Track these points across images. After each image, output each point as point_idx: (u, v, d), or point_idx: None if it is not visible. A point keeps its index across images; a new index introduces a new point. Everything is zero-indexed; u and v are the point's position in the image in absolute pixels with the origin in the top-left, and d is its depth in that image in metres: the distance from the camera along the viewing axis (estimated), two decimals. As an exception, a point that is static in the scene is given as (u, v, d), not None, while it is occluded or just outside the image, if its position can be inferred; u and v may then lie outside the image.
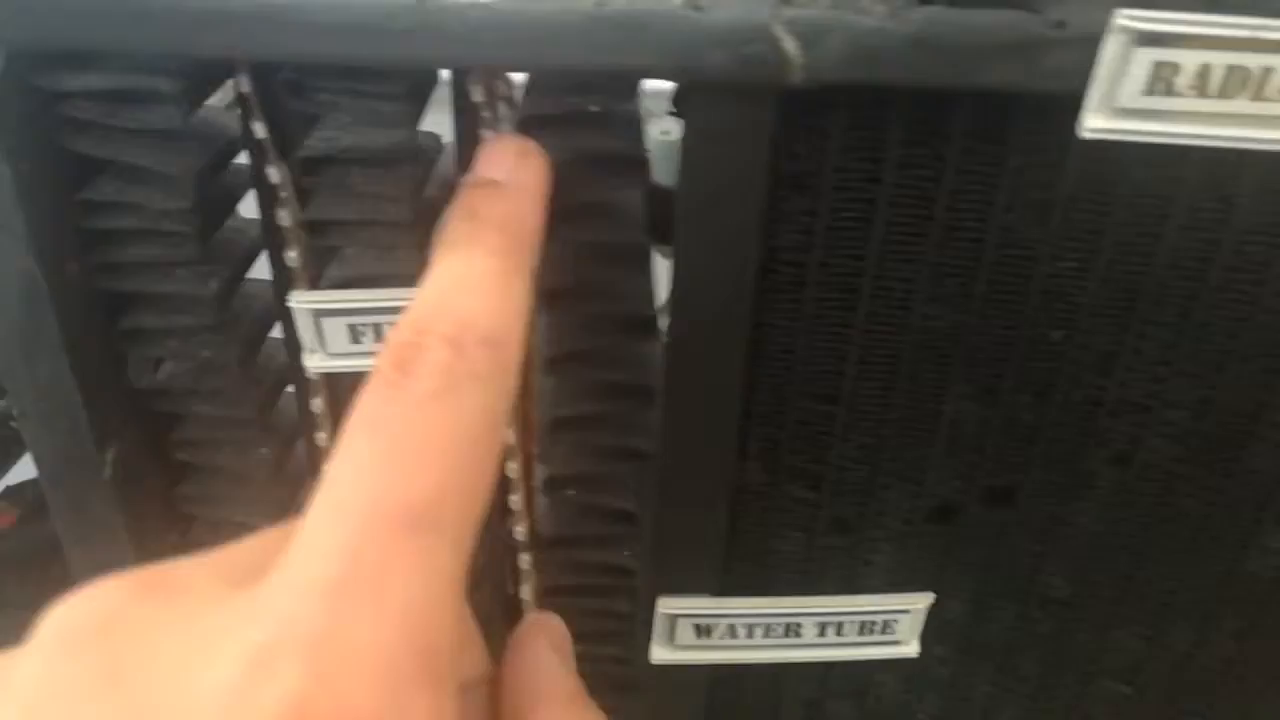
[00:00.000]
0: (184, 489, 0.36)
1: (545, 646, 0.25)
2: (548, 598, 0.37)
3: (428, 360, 0.20)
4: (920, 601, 0.36)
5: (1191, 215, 0.28)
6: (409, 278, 0.30)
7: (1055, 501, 0.34)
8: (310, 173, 0.29)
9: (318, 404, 0.34)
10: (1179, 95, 0.24)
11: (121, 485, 0.33)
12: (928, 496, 0.34)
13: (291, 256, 0.31)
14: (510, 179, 0.26)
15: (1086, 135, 0.25)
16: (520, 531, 0.36)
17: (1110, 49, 0.23)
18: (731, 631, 0.36)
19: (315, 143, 0.28)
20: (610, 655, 0.38)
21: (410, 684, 0.17)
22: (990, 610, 0.37)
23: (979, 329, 0.30)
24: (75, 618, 0.18)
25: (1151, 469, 0.33)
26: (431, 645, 0.18)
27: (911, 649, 0.37)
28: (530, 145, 0.27)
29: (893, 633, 0.37)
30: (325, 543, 0.18)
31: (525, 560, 0.37)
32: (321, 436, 0.35)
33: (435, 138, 0.31)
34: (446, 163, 0.31)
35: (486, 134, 0.28)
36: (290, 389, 0.36)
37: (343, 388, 0.34)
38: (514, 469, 0.35)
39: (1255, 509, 0.34)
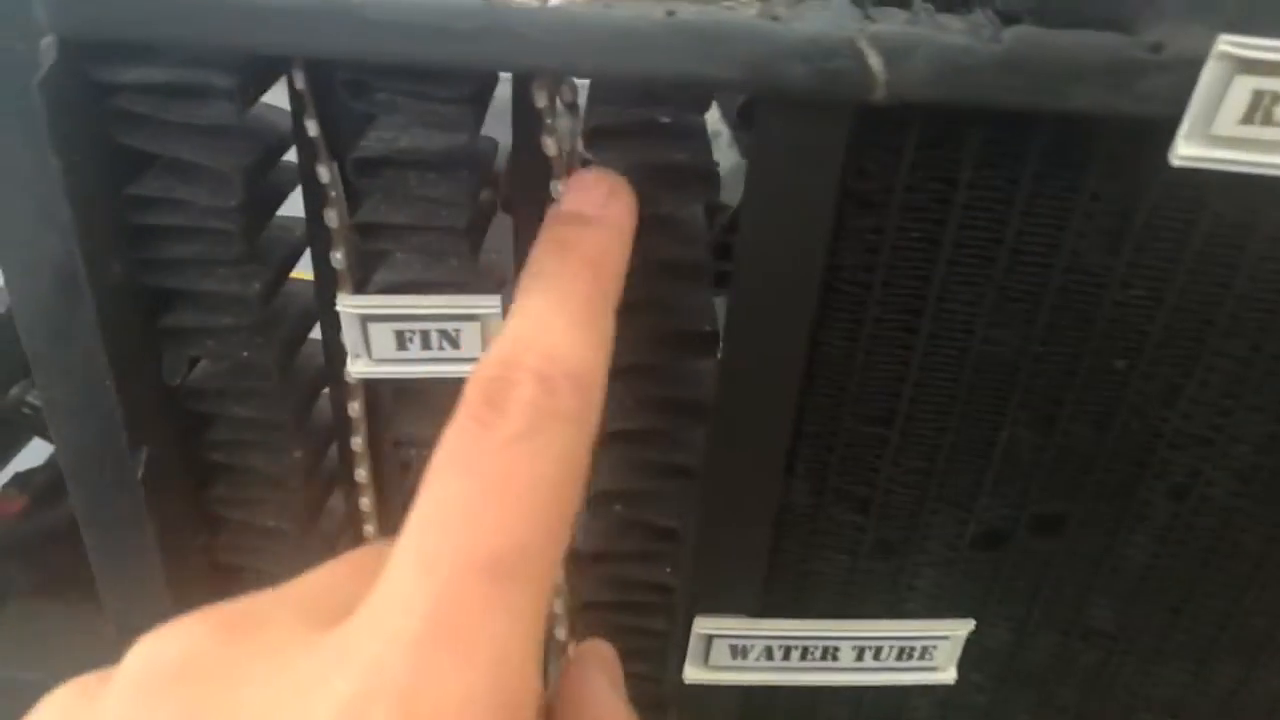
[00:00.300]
0: (214, 491, 0.35)
1: (599, 674, 0.25)
2: (584, 612, 0.36)
3: (516, 397, 0.20)
4: (961, 628, 0.36)
5: (1271, 246, 0.27)
6: (460, 285, 0.29)
7: (1107, 532, 0.33)
8: (364, 174, 0.28)
9: (354, 408, 0.34)
10: (1278, 125, 0.23)
11: (150, 484, 0.32)
12: (976, 523, 0.33)
13: (338, 258, 0.30)
14: (601, 215, 0.25)
15: (1177, 163, 0.24)
16: (556, 545, 0.35)
17: (1209, 75, 0.22)
18: (768, 653, 0.36)
19: (371, 143, 0.27)
20: (642, 673, 0.38)
21: None
22: (1032, 639, 0.37)
23: (1041, 356, 0.30)
24: (158, 659, 0.18)
25: (1209, 503, 0.32)
26: (516, 696, 0.17)
27: (949, 676, 0.37)
28: (621, 182, 0.26)
29: (931, 659, 0.36)
30: (412, 590, 0.18)
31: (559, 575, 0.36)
32: (356, 441, 0.34)
33: (493, 142, 0.30)
34: (501, 168, 0.30)
35: (547, 140, 0.28)
36: (326, 392, 0.35)
37: (379, 392, 0.34)
38: (554, 481, 0.34)
39: (1313, 546, 0.33)
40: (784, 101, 0.25)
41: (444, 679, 0.17)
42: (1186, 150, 0.24)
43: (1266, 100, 0.23)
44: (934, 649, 0.36)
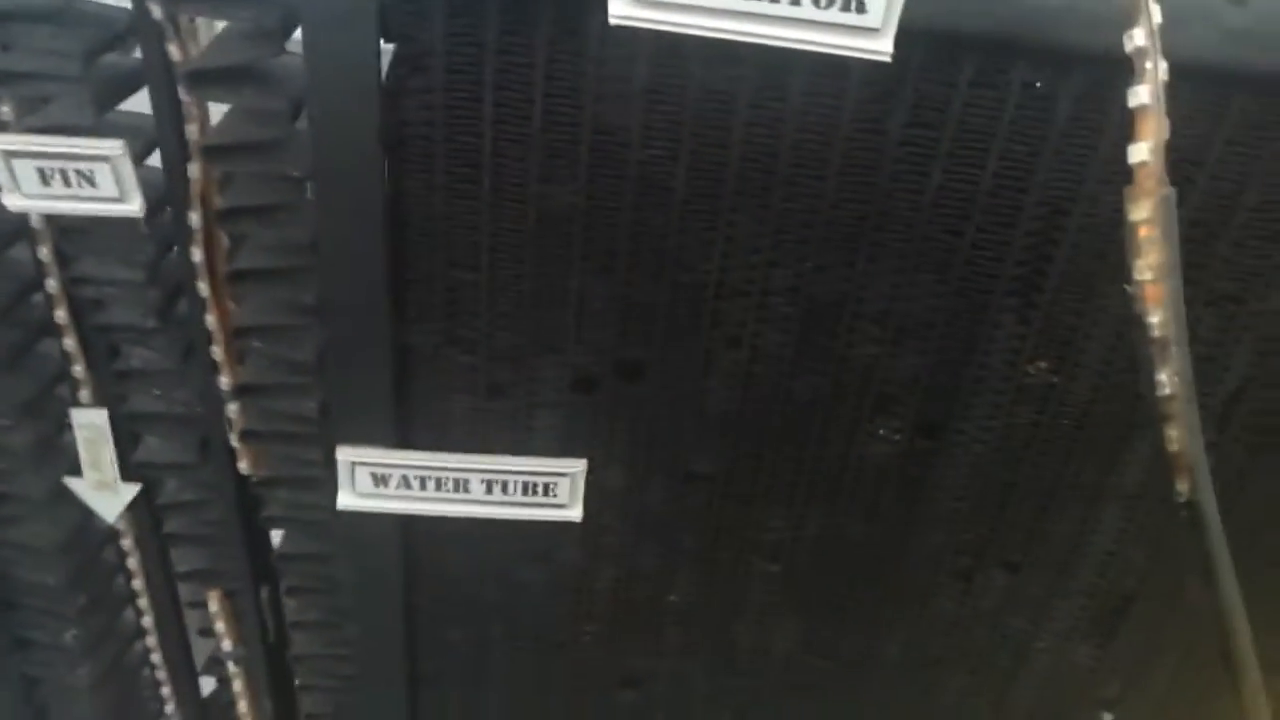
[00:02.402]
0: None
1: None
2: (248, 443, 0.41)
3: None
4: (575, 466, 0.40)
5: (755, 113, 0.32)
6: (89, 130, 0.34)
7: (683, 379, 0.39)
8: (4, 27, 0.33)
9: (44, 253, 0.39)
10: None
11: None
12: (568, 367, 0.38)
13: (4, 110, 0.35)
14: None
15: (613, 21, 0.29)
16: (224, 382, 0.40)
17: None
18: (405, 482, 0.41)
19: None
20: (311, 502, 0.43)
21: None
22: (645, 482, 0.42)
23: (589, 209, 0.35)
24: None
25: (762, 353, 0.37)
26: None
27: (575, 513, 0.42)
28: None
29: (555, 495, 0.41)
30: None
31: (232, 410, 0.41)
32: (51, 284, 0.40)
33: (121, 10, 0.35)
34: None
35: (171, 48, 0.33)
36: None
37: (66, 235, 0.39)
38: (212, 322, 0.39)
39: (857, 395, 0.38)
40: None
41: None
42: (617, 10, 0.29)
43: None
44: (555, 485, 0.41)
